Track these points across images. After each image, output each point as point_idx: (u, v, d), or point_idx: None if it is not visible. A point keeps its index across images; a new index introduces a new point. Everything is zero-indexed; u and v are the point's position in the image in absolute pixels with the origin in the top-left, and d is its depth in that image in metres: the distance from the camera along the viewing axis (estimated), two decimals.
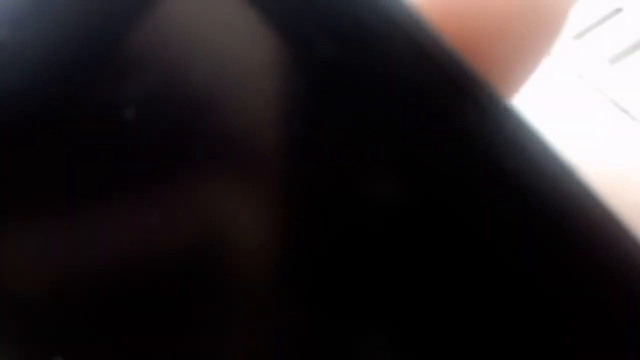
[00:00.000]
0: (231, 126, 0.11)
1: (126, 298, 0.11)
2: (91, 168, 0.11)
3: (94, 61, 0.10)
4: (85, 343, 0.11)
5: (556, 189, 0.11)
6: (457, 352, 0.11)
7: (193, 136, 0.11)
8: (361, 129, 0.11)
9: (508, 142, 0.11)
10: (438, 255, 0.11)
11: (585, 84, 0.86)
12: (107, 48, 0.10)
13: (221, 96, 0.11)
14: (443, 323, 0.11)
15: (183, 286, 0.11)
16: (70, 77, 0.10)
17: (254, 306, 0.11)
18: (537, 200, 0.11)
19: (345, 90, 0.11)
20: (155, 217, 0.11)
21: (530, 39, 0.12)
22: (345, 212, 0.11)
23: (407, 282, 0.11)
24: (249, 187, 0.11)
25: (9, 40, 0.10)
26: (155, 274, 0.11)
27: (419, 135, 0.11)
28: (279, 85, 0.11)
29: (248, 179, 0.11)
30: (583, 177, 0.12)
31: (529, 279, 0.11)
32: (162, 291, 0.11)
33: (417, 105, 0.11)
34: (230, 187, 0.11)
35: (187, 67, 0.11)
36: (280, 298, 0.11)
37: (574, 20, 0.93)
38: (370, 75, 0.11)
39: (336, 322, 0.11)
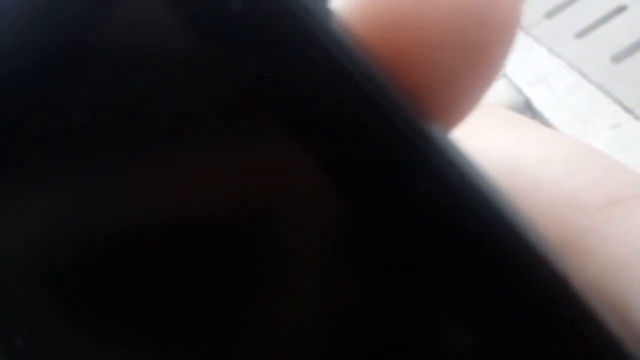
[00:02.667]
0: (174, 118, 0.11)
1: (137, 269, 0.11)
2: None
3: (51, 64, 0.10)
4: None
5: (469, 213, 0.11)
6: None
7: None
8: (286, 140, 0.11)
9: (422, 166, 0.11)
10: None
11: (588, 82, 0.86)
12: (63, 51, 0.10)
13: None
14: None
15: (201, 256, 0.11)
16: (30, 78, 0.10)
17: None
18: (448, 226, 0.11)
19: (266, 103, 0.11)
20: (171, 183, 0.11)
21: (473, 51, 0.11)
22: None
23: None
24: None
25: None
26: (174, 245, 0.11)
27: (339, 151, 0.11)
28: (208, 92, 0.11)
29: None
30: (509, 205, 0.11)
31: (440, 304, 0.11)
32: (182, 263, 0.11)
33: (336, 125, 0.11)
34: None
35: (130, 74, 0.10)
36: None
37: (576, 18, 0.93)
38: (289, 88, 0.11)
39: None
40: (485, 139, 0.14)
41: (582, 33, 0.92)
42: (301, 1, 0.11)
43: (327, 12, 0.11)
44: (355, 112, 0.11)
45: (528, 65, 1.08)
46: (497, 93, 1.14)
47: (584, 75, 0.91)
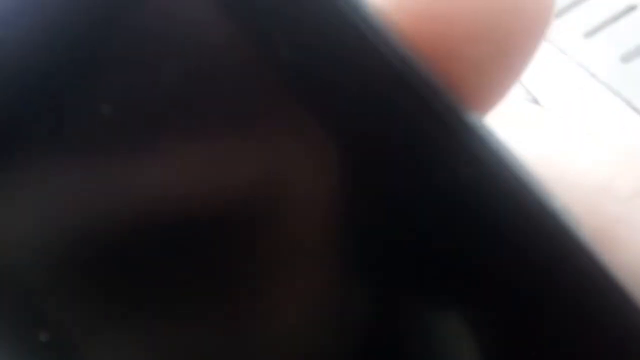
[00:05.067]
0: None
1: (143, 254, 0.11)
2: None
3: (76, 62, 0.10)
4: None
5: (509, 203, 0.11)
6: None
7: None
8: (318, 127, 0.11)
9: (463, 156, 0.11)
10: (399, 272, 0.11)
11: (597, 82, 0.85)
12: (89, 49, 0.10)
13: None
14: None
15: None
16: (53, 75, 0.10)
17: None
18: (505, 232, 0.11)
19: (303, 92, 0.11)
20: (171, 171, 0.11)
21: (507, 43, 0.11)
22: None
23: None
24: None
25: None
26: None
27: (373, 141, 0.11)
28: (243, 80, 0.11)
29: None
30: (549, 197, 0.11)
31: (479, 292, 0.11)
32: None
33: (372, 112, 0.11)
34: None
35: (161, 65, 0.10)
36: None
37: (585, 17, 0.92)
38: (326, 77, 0.11)
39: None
40: (514, 132, 0.14)
41: (591, 32, 0.92)
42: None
43: (363, 1, 0.11)
44: (395, 99, 0.11)
45: (536, 64, 1.08)
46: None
47: (593, 75, 0.91)
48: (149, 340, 0.11)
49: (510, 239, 0.11)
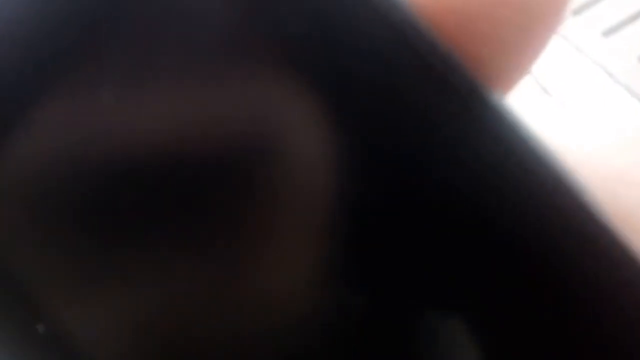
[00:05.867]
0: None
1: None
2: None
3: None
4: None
5: (535, 185, 0.11)
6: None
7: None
8: (336, 111, 0.11)
9: (488, 137, 0.11)
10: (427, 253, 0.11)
11: (614, 82, 0.85)
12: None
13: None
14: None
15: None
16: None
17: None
18: (528, 214, 0.11)
19: (321, 72, 0.11)
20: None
21: (529, 22, 0.11)
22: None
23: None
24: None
25: None
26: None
27: (395, 125, 0.11)
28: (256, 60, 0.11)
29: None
30: (570, 175, 0.11)
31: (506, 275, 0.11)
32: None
33: (393, 94, 0.11)
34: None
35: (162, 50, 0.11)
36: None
37: (604, 16, 0.92)
38: (344, 56, 0.10)
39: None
40: (530, 121, 0.14)
41: (609, 31, 0.91)
42: None
43: None
44: (416, 79, 0.11)
45: (554, 63, 1.08)
46: (521, 91, 1.14)
47: (611, 75, 0.90)
48: (142, 320, 0.11)
49: (535, 218, 0.11)
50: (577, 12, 0.92)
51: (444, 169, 0.11)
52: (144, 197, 0.11)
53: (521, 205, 0.11)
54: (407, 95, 0.11)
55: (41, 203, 0.11)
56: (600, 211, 0.11)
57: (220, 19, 0.10)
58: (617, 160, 0.14)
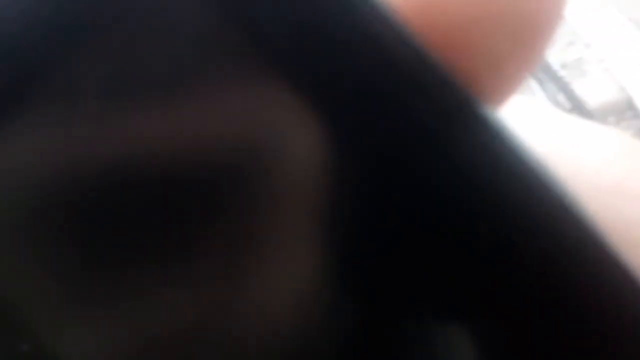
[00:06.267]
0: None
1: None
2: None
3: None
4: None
5: (541, 213, 0.11)
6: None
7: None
8: (324, 121, 0.11)
9: (477, 152, 0.11)
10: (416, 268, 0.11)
11: None
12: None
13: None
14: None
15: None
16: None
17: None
18: (522, 230, 0.11)
19: (305, 83, 0.11)
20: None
21: (522, 33, 0.11)
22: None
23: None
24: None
25: None
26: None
27: (383, 135, 0.11)
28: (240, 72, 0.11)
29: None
30: (562, 187, 0.11)
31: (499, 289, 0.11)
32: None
33: (379, 105, 0.11)
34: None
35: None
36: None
37: None
38: (328, 65, 0.11)
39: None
40: (521, 129, 0.14)
41: None
42: None
43: None
44: (406, 92, 0.11)
45: (633, 60, 1.04)
46: (599, 89, 1.10)
47: None
48: (132, 340, 0.11)
49: (527, 233, 0.11)
50: None
51: (433, 180, 0.11)
52: (132, 211, 0.11)
53: (512, 218, 0.11)
54: (394, 106, 0.11)
55: (25, 219, 0.11)
56: (593, 223, 0.11)
57: (204, 27, 0.10)
58: (612, 170, 0.14)
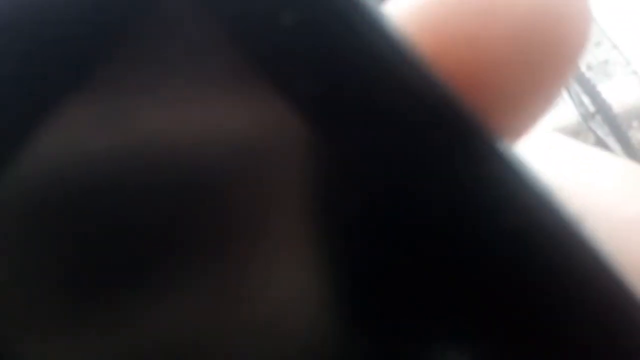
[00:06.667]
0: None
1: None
2: None
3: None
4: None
5: (555, 247, 0.11)
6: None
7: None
8: (343, 166, 0.11)
9: (502, 196, 0.11)
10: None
11: None
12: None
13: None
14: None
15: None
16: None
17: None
18: (535, 263, 0.10)
19: (328, 126, 0.11)
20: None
21: (540, 68, 0.11)
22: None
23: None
24: None
25: None
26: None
27: (402, 182, 0.10)
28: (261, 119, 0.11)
29: None
30: (589, 235, 0.11)
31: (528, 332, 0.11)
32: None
33: (400, 148, 0.10)
34: None
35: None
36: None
37: None
38: (351, 110, 0.10)
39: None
40: (539, 165, 0.14)
41: None
42: (358, 11, 0.10)
43: (388, 24, 0.11)
44: (422, 126, 0.10)
45: None
46: (625, 92, 1.09)
47: None
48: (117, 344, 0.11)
49: (538, 266, 0.11)
50: None
51: (435, 208, 0.10)
52: (123, 219, 0.11)
53: (524, 250, 0.10)
54: (402, 132, 0.10)
55: (22, 227, 0.11)
56: (606, 256, 0.11)
57: (201, 38, 0.10)
58: (630, 205, 0.13)
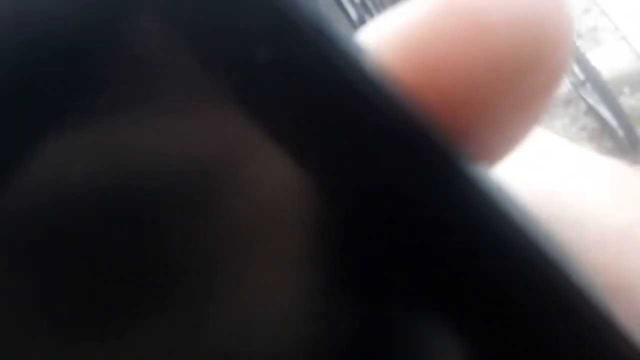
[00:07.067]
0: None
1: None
2: None
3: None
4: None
5: (528, 272, 0.10)
6: None
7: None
8: (320, 187, 0.11)
9: (475, 223, 0.10)
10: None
11: None
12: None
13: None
14: None
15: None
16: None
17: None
18: (507, 285, 0.10)
19: (304, 153, 0.11)
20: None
21: (521, 89, 0.10)
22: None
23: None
24: None
25: None
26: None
27: (373, 202, 0.10)
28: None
29: None
30: (554, 246, 0.11)
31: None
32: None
33: (368, 174, 0.10)
34: None
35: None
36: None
37: None
38: (326, 137, 0.10)
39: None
40: (530, 169, 0.14)
41: None
42: (333, 46, 0.10)
43: (363, 53, 0.10)
44: (394, 155, 0.10)
45: None
46: (614, 58, 1.09)
47: None
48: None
49: (513, 293, 0.11)
50: None
51: (411, 231, 0.10)
52: (109, 234, 0.11)
53: (496, 280, 0.10)
54: (375, 156, 0.10)
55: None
56: (587, 284, 0.11)
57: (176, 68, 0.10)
58: (621, 217, 0.13)
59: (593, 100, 1.09)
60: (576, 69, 1.10)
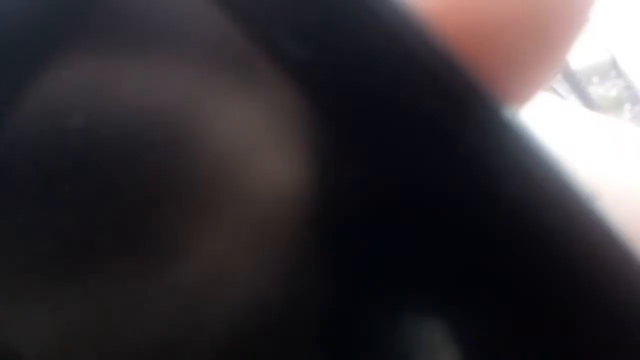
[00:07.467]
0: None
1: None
2: None
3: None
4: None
5: (561, 217, 0.10)
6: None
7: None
8: (338, 136, 0.10)
9: (506, 162, 0.10)
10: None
11: None
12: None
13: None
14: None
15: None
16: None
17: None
18: (539, 230, 0.10)
19: (321, 94, 0.10)
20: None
21: (545, 30, 0.10)
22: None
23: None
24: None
25: None
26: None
27: (403, 150, 0.10)
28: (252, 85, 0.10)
29: None
30: (594, 202, 0.10)
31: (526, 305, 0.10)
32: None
33: (400, 115, 0.10)
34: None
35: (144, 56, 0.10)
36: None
37: None
38: (346, 75, 0.10)
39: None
40: (570, 138, 0.13)
41: None
42: None
43: None
44: (424, 92, 0.10)
45: (617, 21, 1.00)
46: (582, 49, 0.92)
47: None
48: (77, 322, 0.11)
49: (545, 236, 0.10)
50: None
51: (443, 179, 0.10)
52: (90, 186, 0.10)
53: (529, 221, 0.10)
54: (409, 103, 0.10)
55: None
56: (614, 225, 0.10)
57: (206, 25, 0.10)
58: (638, 174, 0.14)
59: (563, 89, 1.06)
60: None
